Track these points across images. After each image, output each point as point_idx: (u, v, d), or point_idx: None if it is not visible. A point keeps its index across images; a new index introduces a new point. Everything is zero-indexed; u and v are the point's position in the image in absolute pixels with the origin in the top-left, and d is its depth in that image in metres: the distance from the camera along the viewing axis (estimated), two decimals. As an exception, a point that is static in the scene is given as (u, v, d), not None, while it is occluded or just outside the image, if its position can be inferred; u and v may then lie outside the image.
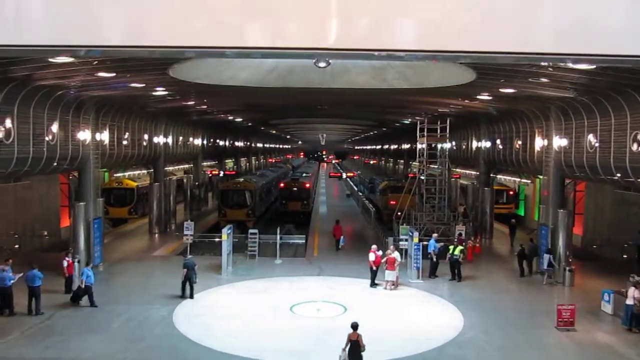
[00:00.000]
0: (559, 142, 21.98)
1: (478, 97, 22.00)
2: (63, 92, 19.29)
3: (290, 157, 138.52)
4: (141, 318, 16.88)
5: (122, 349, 14.32)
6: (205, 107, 30.51)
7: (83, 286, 18.11)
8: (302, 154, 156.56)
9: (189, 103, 27.52)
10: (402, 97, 24.79)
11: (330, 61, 17.92)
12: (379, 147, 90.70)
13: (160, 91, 21.73)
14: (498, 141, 29.87)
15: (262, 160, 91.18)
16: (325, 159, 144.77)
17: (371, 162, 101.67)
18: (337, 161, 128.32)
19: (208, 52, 7.26)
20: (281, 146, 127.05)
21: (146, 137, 30.19)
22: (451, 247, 22.44)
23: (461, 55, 6.83)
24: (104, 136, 24.49)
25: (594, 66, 13.52)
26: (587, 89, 17.23)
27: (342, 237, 28.89)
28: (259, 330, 16.18)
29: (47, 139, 19.15)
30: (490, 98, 22.03)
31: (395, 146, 68.77)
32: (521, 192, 42.78)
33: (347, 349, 12.09)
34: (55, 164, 20.18)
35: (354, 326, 12.34)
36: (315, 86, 21.80)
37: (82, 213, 22.54)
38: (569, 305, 16.50)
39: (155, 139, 31.98)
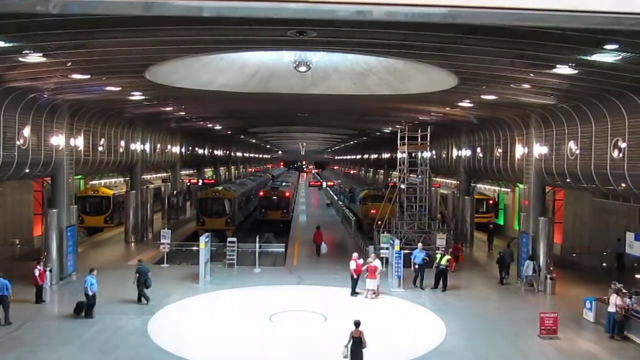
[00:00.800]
0: (540, 149, 21.99)
1: (459, 104, 21.93)
2: (36, 94, 18.71)
3: (270, 167, 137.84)
4: (114, 328, 16.29)
5: (93, 360, 13.77)
6: (184, 113, 30.01)
7: (91, 293, 17.32)
8: (281, 163, 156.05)
9: (167, 109, 27.02)
10: (383, 104, 24.62)
11: (310, 65, 17.85)
12: (359, 156, 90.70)
13: (137, 96, 21.22)
14: (478, 149, 29.90)
15: (241, 170, 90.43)
16: (305, 168, 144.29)
17: (351, 172, 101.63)
18: (317, 171, 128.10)
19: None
20: (261, 156, 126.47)
21: (123, 143, 29.54)
22: (438, 256, 22.20)
23: (456, 10, 6.44)
24: (79, 142, 23.84)
25: (575, 71, 13.50)
26: (567, 95, 17.22)
27: (322, 242, 28.63)
28: (237, 340, 15.72)
29: (18, 143, 18.53)
30: (472, 105, 21.97)
31: (375, 155, 68.80)
32: (501, 202, 42.93)
33: (349, 346, 12.54)
34: (27, 169, 19.55)
35: (357, 323, 12.86)
36: (296, 92, 21.52)
37: (55, 220, 21.86)
38: (552, 313, 16.34)
39: (132, 146, 31.34)
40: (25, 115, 18.87)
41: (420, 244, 23.44)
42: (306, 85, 21.08)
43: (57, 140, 21.49)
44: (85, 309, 17.33)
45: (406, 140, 29.29)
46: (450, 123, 31.06)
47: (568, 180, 20.06)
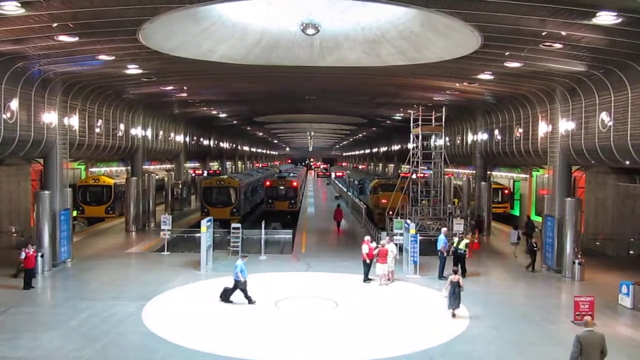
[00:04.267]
0: (566, 125, 20.40)
1: (479, 76, 20.36)
2: (24, 63, 17.32)
3: (277, 163, 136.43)
4: (106, 314, 14.88)
5: (78, 347, 12.34)
6: (186, 95, 28.57)
7: (243, 279, 16.11)
8: (289, 160, 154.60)
9: (168, 88, 25.60)
10: (396, 79, 23.06)
11: (319, 27, 16.37)
12: (367, 151, 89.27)
13: (133, 68, 19.83)
14: (496, 132, 28.31)
15: (248, 165, 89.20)
16: (313, 163, 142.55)
17: (360, 167, 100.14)
18: (325, 166, 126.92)
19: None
20: (268, 152, 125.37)
21: (122, 127, 28.20)
22: (455, 240, 20.59)
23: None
24: (73, 121, 22.51)
25: (618, 20, 11.94)
26: (602, 57, 15.59)
27: (342, 219, 33.43)
28: (238, 326, 14.28)
29: (4, 116, 17.19)
30: (492, 78, 20.40)
31: (385, 148, 67.27)
32: (516, 191, 41.30)
33: (448, 288, 14.94)
34: (14, 146, 18.18)
35: (455, 271, 15.35)
36: (303, 64, 20.05)
37: (47, 203, 20.47)
38: (587, 297, 14.78)
39: (133, 131, 30.00)
40: (12, 87, 17.53)
41: (444, 229, 21.68)
42: (314, 56, 19.61)
43: (49, 117, 20.14)
44: (244, 294, 16.13)
45: (420, 122, 27.63)
46: (465, 105, 29.50)
47: (600, 156, 18.45)
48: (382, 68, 19.97)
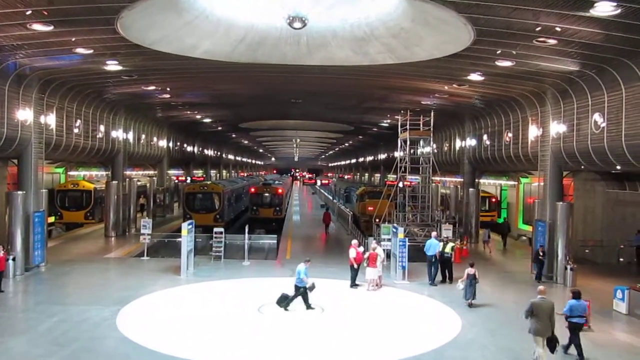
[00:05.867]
0: (557, 128, 20.01)
1: (469, 77, 19.91)
2: (-4, 56, 16.54)
3: (263, 173, 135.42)
4: (78, 319, 14.02)
5: (46, 353, 11.49)
6: (169, 96, 27.78)
7: (309, 284, 15.62)
8: (275, 170, 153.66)
9: (150, 88, 24.80)
10: (384, 80, 22.54)
11: (306, 21, 15.75)
12: (353, 160, 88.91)
13: (113, 64, 19.06)
14: (485, 137, 27.90)
15: (233, 174, 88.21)
16: (299, 173, 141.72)
17: (345, 176, 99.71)
18: (310, 175, 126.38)
19: None
20: (254, 161, 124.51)
21: (102, 128, 27.33)
22: (441, 244, 19.99)
23: None
24: (50, 120, 21.64)
25: (617, 11, 11.53)
26: (596, 54, 15.18)
27: (330, 222, 34.61)
28: (219, 332, 13.51)
29: (-26, 111, 16.36)
30: (482, 78, 19.96)
31: (371, 157, 66.89)
32: (503, 200, 40.99)
33: (465, 281, 16.10)
34: (-16, 143, 17.36)
35: (472, 264, 16.54)
36: (289, 62, 19.46)
37: (20, 204, 19.58)
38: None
39: (114, 133, 29.12)
40: (-17, 80, 16.74)
41: (434, 233, 21.06)
42: (301, 54, 19.01)
43: (24, 114, 19.29)
44: (304, 299, 15.59)
45: (408, 126, 27.15)
46: (453, 110, 29.09)
47: (592, 159, 18.04)
48: (370, 67, 19.42)
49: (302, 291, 15.58)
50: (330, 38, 18.04)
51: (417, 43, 16.97)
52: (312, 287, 15.90)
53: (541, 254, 20.03)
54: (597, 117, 17.38)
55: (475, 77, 19.78)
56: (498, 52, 16.24)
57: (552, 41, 14.30)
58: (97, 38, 15.74)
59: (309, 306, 15.56)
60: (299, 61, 19.35)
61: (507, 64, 17.26)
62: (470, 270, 16.23)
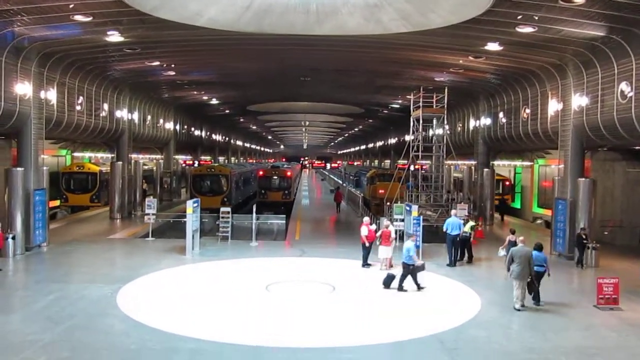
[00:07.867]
0: (580, 100, 19.00)
1: (487, 47, 18.91)
2: (-10, 22, 15.76)
3: (272, 161, 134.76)
4: (76, 297, 13.35)
5: (39, 330, 10.77)
6: (174, 73, 26.96)
7: (420, 263, 14.94)
8: (283, 158, 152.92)
9: (154, 64, 24.00)
10: (397, 52, 21.58)
11: (316, -17, 14.88)
12: (362, 147, 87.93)
13: (114, 35, 18.24)
14: (500, 115, 26.88)
15: (242, 160, 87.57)
16: (308, 161, 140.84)
17: (355, 163, 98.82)
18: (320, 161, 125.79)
19: None
20: (262, 148, 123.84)
21: (106, 107, 26.58)
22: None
23: None
24: (51, 95, 20.90)
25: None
26: (625, 15, 14.14)
27: (342, 201, 35.37)
28: (224, 310, 12.78)
29: (-32, 82, 15.63)
30: (500, 49, 18.95)
31: (381, 142, 65.87)
32: (517, 183, 39.99)
33: (506, 247, 15.83)
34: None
35: (513, 231, 17.03)
36: (298, 32, 18.57)
37: (19, 181, 18.90)
38: (611, 278, 13.36)
39: (118, 113, 28.39)
40: (-24, 49, 15.98)
41: (454, 211, 19.97)
42: (309, 23, 18.10)
43: (23, 88, 18.54)
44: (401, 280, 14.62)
45: (421, 104, 26.15)
46: (467, 87, 28.08)
47: (619, 132, 17.04)
48: (382, 37, 18.50)
49: (410, 269, 14.53)
50: (340, 4, 17.11)
51: (432, 8, 16.02)
52: (422, 267, 14.98)
53: (584, 236, 18.40)
54: (623, 86, 16.36)
55: (493, 46, 18.77)
56: (519, 16, 15.25)
57: (579, 1, 13.31)
58: (95, 2, 14.92)
59: (419, 286, 14.56)
60: (308, 31, 18.46)
61: (528, 30, 16.22)
62: (511, 237, 16.22)
